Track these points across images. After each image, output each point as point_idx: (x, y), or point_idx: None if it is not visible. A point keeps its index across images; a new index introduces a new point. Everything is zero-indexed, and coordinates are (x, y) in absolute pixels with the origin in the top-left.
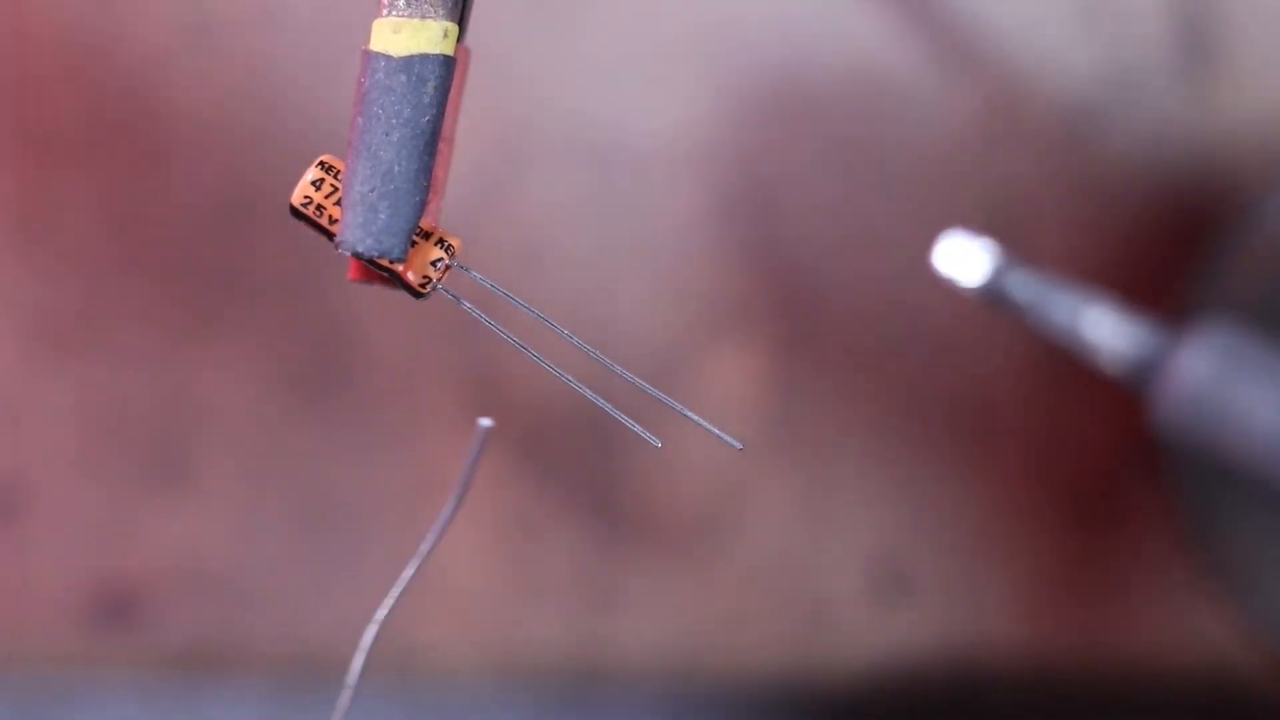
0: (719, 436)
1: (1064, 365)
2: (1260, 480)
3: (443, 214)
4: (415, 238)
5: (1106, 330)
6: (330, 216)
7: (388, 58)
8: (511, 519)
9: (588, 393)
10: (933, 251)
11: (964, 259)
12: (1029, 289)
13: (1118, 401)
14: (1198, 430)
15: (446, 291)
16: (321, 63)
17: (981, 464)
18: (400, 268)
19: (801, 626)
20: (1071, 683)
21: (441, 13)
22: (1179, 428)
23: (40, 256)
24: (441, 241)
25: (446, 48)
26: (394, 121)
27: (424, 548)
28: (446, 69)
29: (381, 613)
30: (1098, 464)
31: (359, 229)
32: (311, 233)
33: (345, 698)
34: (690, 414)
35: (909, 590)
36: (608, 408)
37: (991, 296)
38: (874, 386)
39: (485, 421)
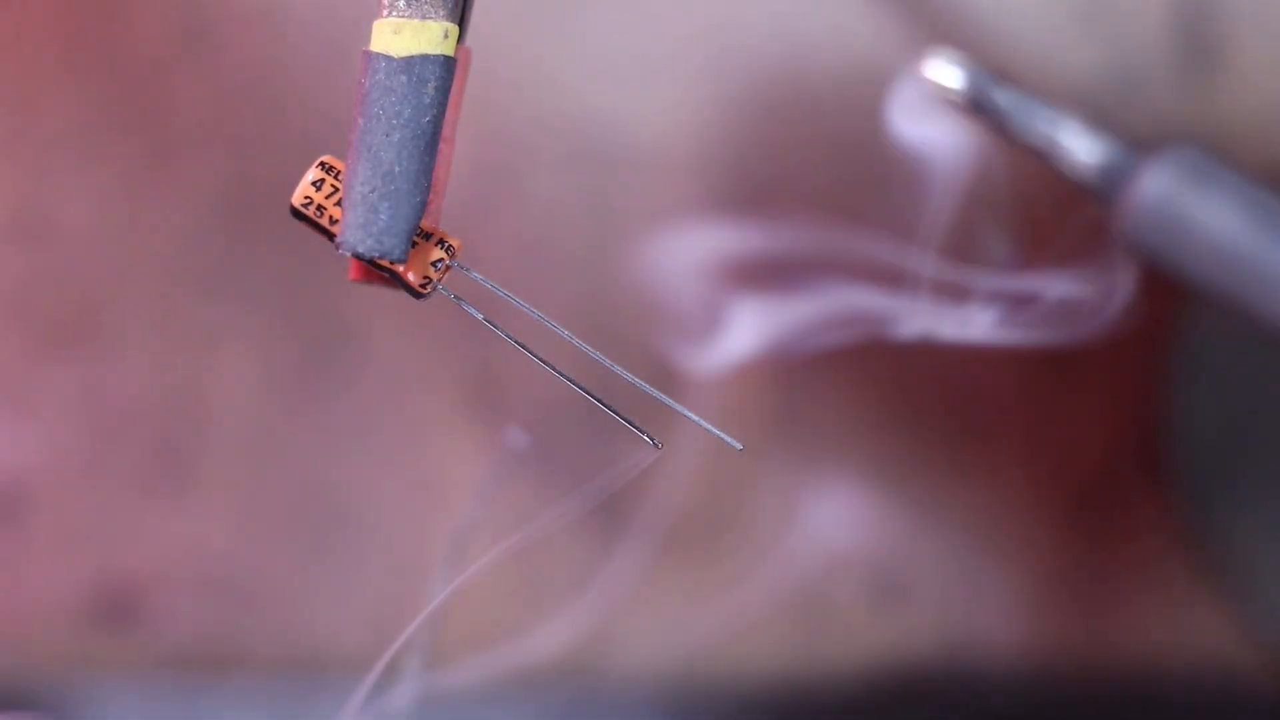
0: (719, 437)
1: (1064, 365)
2: (1214, 292)
3: (443, 214)
4: (416, 238)
5: (1080, 143)
6: (331, 217)
7: (388, 58)
8: (511, 519)
9: (588, 393)
10: (921, 66)
11: (948, 71)
12: (1008, 100)
13: (1118, 401)
14: (1157, 241)
15: (446, 292)
16: (321, 63)
17: (981, 464)
18: (401, 268)
19: (800, 627)
20: (1071, 683)
21: (442, 13)
22: (1141, 239)
23: (40, 256)
24: (442, 242)
25: (447, 48)
26: (394, 122)
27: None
28: (447, 69)
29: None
30: (1098, 464)
31: (359, 229)
32: (312, 233)
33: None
34: (690, 414)
35: (908, 591)
36: (608, 408)
37: (973, 105)
38: (874, 386)
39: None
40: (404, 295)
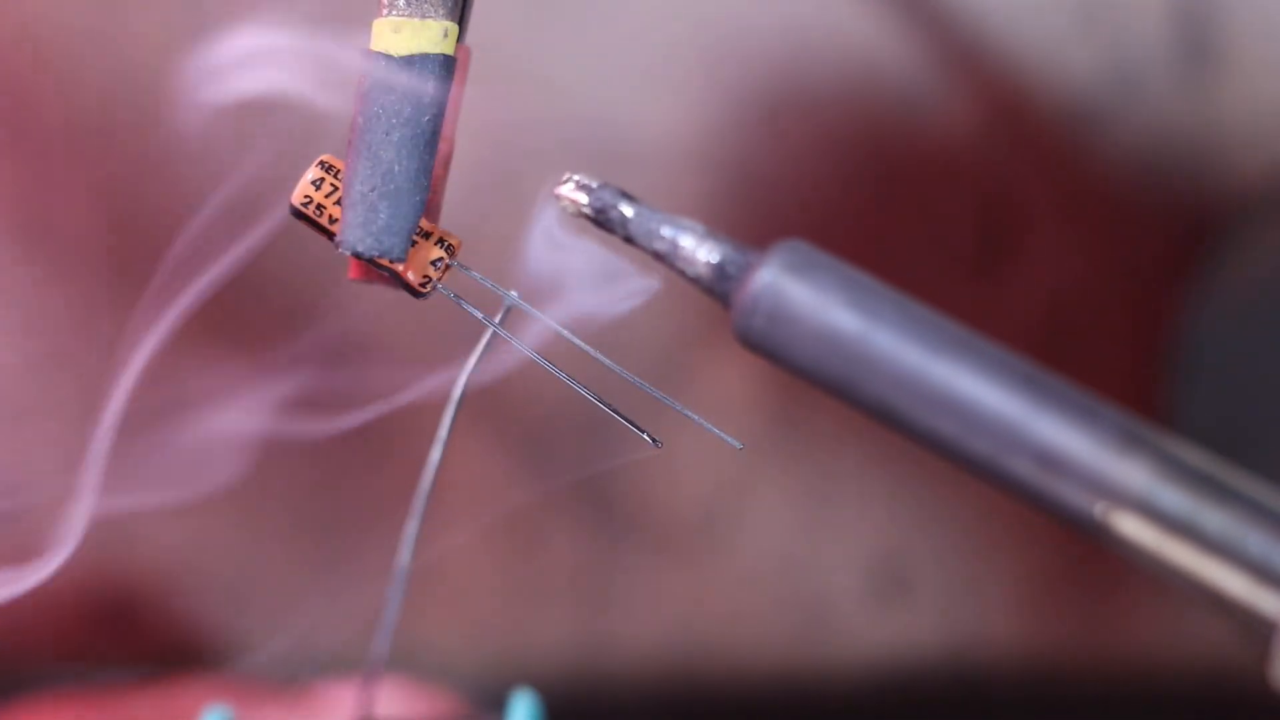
0: (719, 436)
1: (1063, 363)
2: (824, 381)
3: (443, 213)
4: (415, 237)
5: (698, 246)
6: (330, 216)
7: (388, 57)
8: (511, 519)
9: (588, 393)
10: (554, 188)
11: (576, 191)
12: (632, 212)
13: (1117, 400)
14: (768, 335)
15: (447, 291)
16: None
17: None
18: (400, 267)
19: (801, 626)
20: (1071, 682)
21: (442, 12)
22: (753, 335)
23: (40, 257)
24: (442, 241)
25: (447, 47)
26: (394, 121)
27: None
28: (447, 68)
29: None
30: None
31: (359, 228)
32: (312, 232)
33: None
34: (690, 413)
35: (909, 590)
36: (608, 408)
37: (600, 219)
38: None
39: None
40: (404, 295)
